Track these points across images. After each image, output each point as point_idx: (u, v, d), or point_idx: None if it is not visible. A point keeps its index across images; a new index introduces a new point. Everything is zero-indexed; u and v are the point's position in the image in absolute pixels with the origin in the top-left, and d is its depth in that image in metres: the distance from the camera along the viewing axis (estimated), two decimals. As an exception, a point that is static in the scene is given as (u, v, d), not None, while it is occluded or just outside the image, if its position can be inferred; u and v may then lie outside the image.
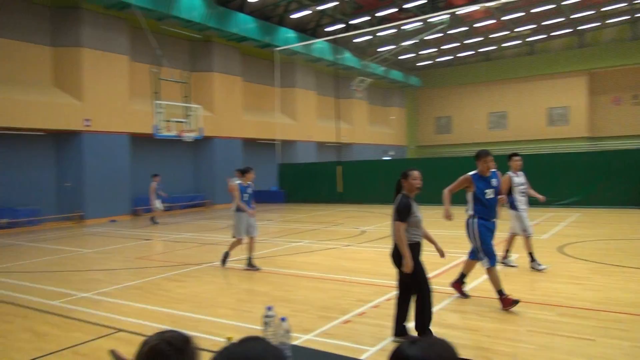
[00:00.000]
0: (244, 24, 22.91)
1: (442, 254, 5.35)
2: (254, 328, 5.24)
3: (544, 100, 35.69)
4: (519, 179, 8.18)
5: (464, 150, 33.97)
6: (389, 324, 5.26)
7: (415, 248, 5.01)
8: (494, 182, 6.18)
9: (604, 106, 34.67)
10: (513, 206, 8.12)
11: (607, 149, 26.94)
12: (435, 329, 5.10)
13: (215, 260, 9.59)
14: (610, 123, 34.09)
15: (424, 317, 4.99)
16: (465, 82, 38.57)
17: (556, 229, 12.60)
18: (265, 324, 2.93)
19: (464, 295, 6.51)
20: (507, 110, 37.27)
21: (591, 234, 11.87)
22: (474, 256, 6.37)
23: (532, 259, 8.04)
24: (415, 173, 5.08)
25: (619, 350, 4.65)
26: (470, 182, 6.11)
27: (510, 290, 6.08)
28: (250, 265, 8.83)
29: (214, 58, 23.10)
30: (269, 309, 2.95)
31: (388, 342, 4.98)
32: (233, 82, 24.13)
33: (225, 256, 9.14)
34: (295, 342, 4.39)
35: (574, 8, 28.34)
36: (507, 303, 5.82)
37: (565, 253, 9.38)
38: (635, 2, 28.14)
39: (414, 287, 5.01)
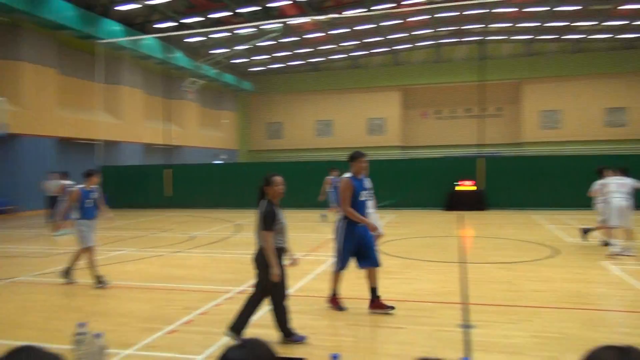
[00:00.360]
0: (62, 10, 20.62)
1: (293, 262, 5.34)
2: (63, 348, 4.70)
3: (364, 111, 38.87)
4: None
5: (295, 155, 35.30)
6: (218, 330, 5.17)
7: (279, 254, 5.00)
8: (367, 184, 6.12)
9: (414, 119, 39.09)
10: None
11: (416, 157, 30.41)
12: (257, 330, 5.16)
13: (20, 275, 8.42)
14: (419, 134, 38.55)
15: (281, 319, 5.03)
16: (295, 89, 40.10)
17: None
18: (77, 342, 2.64)
19: (388, 308, 5.94)
20: (333, 118, 39.70)
21: (404, 233, 13.19)
22: (364, 264, 6.05)
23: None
24: (278, 179, 5.03)
25: (423, 334, 5.24)
26: (351, 185, 5.90)
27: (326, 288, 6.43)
28: (66, 276, 7.89)
29: (23, 45, 20.38)
30: (81, 325, 2.66)
31: (216, 349, 4.89)
32: (46, 74, 21.56)
33: (67, 271, 8.00)
34: None
35: (391, 29, 31.45)
36: (335, 304, 6.13)
37: (382, 251, 10.29)
38: (439, 29, 32.34)
39: (271, 291, 4.98)
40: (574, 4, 27.02)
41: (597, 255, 9.39)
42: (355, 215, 5.84)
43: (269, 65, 38.42)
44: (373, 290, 6.01)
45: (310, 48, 34.61)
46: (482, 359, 4.58)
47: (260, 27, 25.20)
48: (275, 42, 30.56)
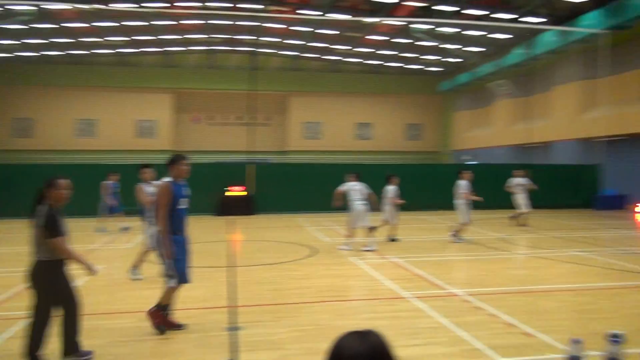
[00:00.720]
0: None
1: (92, 271, 4.76)
2: None
3: (133, 112, 36.75)
4: (152, 189, 8.01)
5: (50, 157, 31.21)
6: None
7: (60, 265, 4.53)
8: (185, 190, 5.61)
9: (186, 123, 38.57)
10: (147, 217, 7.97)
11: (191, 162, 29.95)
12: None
13: None
14: (191, 139, 38.15)
15: (71, 334, 4.58)
16: (52, 83, 35.61)
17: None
18: None
19: (177, 327, 5.56)
20: (97, 117, 36.51)
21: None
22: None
23: (135, 267, 8.27)
24: (64, 182, 4.57)
25: (192, 342, 5.22)
26: (170, 191, 5.36)
27: (96, 302, 5.92)
28: None
29: None
30: None
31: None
32: None
33: None
34: None
35: (163, 30, 30.47)
36: (164, 322, 5.49)
37: (149, 260, 9.86)
38: (213, 36, 32.65)
39: (60, 305, 4.53)
40: (332, 29, 30.34)
41: (349, 253, 10.69)
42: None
43: (18, 52, 33.29)
44: (163, 307, 5.52)
45: (71, 38, 31.20)
46: (249, 359, 4.79)
47: (7, 7, 21.73)
48: (27, 27, 26.70)
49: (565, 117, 28.72)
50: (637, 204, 20.82)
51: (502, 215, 17.50)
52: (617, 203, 22.21)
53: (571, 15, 27.80)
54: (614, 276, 8.48)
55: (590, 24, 25.01)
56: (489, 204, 20.13)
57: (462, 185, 12.23)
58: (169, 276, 5.43)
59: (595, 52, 25.80)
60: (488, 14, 27.35)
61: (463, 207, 12.19)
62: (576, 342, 2.57)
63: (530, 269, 9.24)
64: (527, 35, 26.94)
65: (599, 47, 24.92)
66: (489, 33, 30.37)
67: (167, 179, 5.51)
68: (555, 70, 29.65)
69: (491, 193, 21.98)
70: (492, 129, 36.47)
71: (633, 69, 25.17)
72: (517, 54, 31.08)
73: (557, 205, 22.45)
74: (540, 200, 22.51)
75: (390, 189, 12.22)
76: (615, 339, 3.29)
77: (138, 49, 34.79)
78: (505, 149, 34.44)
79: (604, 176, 22.84)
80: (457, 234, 12.31)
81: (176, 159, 5.57)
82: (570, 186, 23.63)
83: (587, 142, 26.54)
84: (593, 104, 26.89)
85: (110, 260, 10.08)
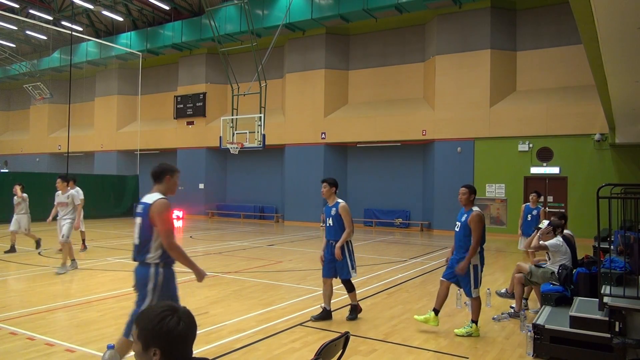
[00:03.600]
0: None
1: None
2: None
3: None
4: None
5: None
6: None
7: None
8: None
9: None
10: None
11: None
12: None
13: None
14: None
15: None
16: None
17: None
18: None
19: None
20: None
21: None
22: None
23: None
24: None
25: None
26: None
27: None
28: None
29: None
30: None
31: None
32: None
33: None
34: None
35: None
36: None
37: None
38: None
39: None
40: None
41: None
42: None
43: None
44: None
45: None
46: None
47: None
48: None
49: (106, 128, 29.64)
50: (173, 211, 23.52)
51: (41, 227, 16.41)
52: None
53: (112, 31, 28.96)
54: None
55: (127, 43, 26.79)
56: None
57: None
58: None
59: (132, 70, 27.80)
60: (23, 8, 25.25)
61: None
62: (110, 347, 2.75)
63: (71, 282, 9.03)
64: (67, 41, 26.28)
65: (134, 67, 26.96)
66: (24, 30, 28.06)
67: (164, 196, 3.99)
68: (97, 82, 30.17)
69: (29, 204, 20.38)
70: (30, 135, 33.71)
71: (163, 91, 28.47)
72: (56, 58, 29.88)
73: (102, 215, 22.85)
74: (85, 211, 22.34)
75: None
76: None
77: None
78: (46, 157, 32.48)
79: (141, 186, 24.76)
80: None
81: (173, 168, 4.12)
82: (113, 196, 24.49)
83: (127, 154, 28.24)
84: (131, 119, 28.84)
85: None
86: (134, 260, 4.08)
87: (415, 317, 6.24)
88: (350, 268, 6.40)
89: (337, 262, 6.37)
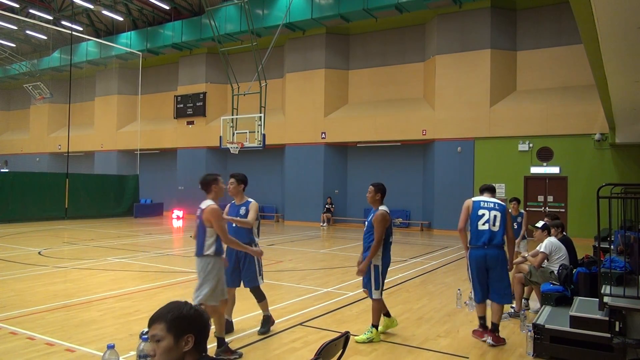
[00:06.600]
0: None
1: None
2: None
3: None
4: None
5: None
6: None
7: None
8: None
9: None
10: None
11: None
12: None
13: None
14: None
15: None
16: None
17: None
18: None
19: None
20: None
21: None
22: None
23: None
24: None
25: None
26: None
27: None
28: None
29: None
30: None
31: None
32: None
33: None
34: None
35: None
36: None
37: None
38: None
39: None
40: None
41: None
42: None
43: None
44: None
45: None
46: None
47: None
48: None
49: (107, 128, 29.60)
50: (174, 210, 23.59)
51: (41, 227, 16.44)
52: (154, 210, 24.54)
53: (112, 30, 28.93)
54: (150, 278, 9.35)
55: (127, 43, 26.76)
56: (26, 216, 18.50)
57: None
58: None
59: (132, 70, 27.76)
60: (23, 7, 25.21)
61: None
62: (110, 347, 2.75)
63: (71, 282, 9.03)
64: (67, 41, 26.28)
65: (134, 66, 26.92)
66: (24, 29, 28.03)
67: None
68: (97, 81, 30.14)
69: (29, 203, 20.36)
70: (30, 135, 33.68)
71: (163, 91, 28.43)
72: (56, 58, 29.86)
73: (102, 215, 22.86)
74: (85, 210, 22.36)
75: None
76: (146, 336, 3.65)
77: None
78: (46, 156, 32.47)
79: (141, 186, 24.79)
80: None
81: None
82: (113, 195, 24.48)
83: (127, 153, 28.20)
84: (131, 118, 28.80)
85: None
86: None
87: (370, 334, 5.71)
88: (257, 274, 5.87)
89: (243, 267, 5.83)
